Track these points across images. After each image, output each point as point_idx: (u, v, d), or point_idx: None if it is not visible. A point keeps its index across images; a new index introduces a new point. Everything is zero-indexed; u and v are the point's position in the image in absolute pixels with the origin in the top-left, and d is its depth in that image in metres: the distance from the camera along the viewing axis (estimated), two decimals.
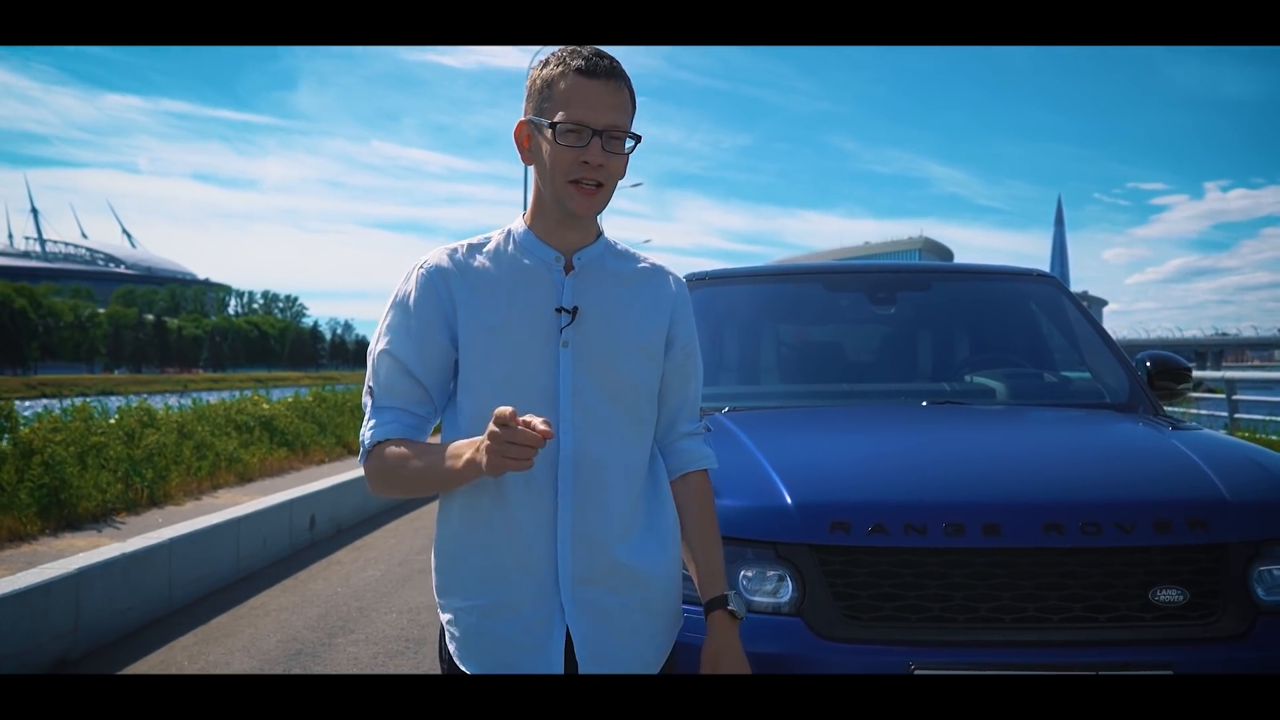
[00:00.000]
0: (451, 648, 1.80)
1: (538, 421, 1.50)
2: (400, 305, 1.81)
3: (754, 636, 2.32)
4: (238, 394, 13.98)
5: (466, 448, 1.63)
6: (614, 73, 1.71)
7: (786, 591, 2.41)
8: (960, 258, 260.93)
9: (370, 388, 1.82)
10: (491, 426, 1.51)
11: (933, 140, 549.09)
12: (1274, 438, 11.07)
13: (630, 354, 1.80)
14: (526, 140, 1.78)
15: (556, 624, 1.72)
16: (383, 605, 5.94)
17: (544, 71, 1.74)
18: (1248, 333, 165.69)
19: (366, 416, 1.82)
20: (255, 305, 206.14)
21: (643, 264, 1.91)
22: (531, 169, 1.81)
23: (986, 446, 3.02)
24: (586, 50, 1.72)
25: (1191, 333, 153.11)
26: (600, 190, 1.73)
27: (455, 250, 1.83)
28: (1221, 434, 3.41)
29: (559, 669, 1.72)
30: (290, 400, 13.95)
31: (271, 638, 5.26)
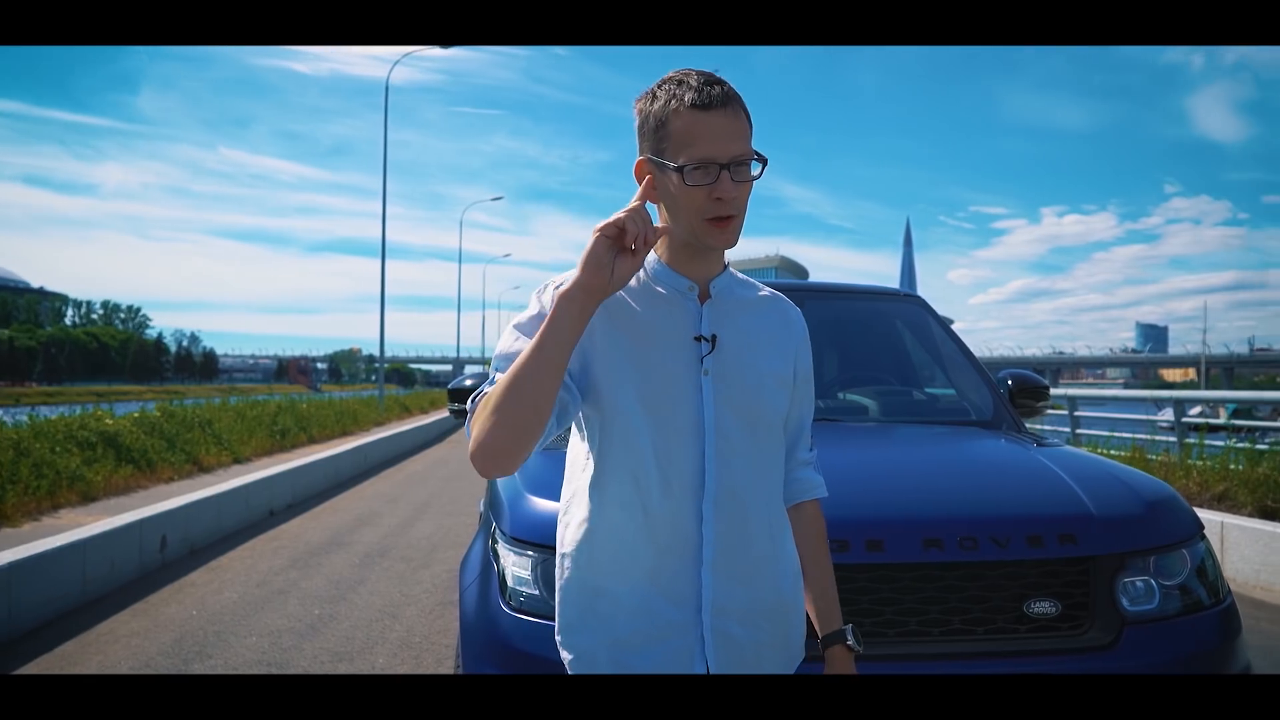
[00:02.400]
0: None
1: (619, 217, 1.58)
2: (537, 321, 1.70)
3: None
4: (78, 409, 13.28)
5: (556, 304, 1.59)
6: (728, 99, 1.66)
7: None
8: (815, 276, 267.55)
9: (496, 367, 1.70)
10: (590, 243, 1.58)
11: (788, 160, 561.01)
12: (1114, 451, 11.64)
13: (766, 382, 1.77)
14: (652, 179, 1.71)
15: (696, 656, 1.69)
16: (241, 629, 5.71)
17: (655, 108, 1.69)
18: (1082, 351, 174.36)
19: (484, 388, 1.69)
20: (94, 316, 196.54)
21: (763, 293, 1.88)
22: (657, 206, 1.75)
23: (866, 464, 3.08)
24: (695, 79, 1.67)
25: (1031, 351, 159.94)
26: (734, 220, 1.68)
27: None
28: (1082, 450, 3.56)
29: None
30: (136, 415, 13.33)
31: (122, 665, 4.99)
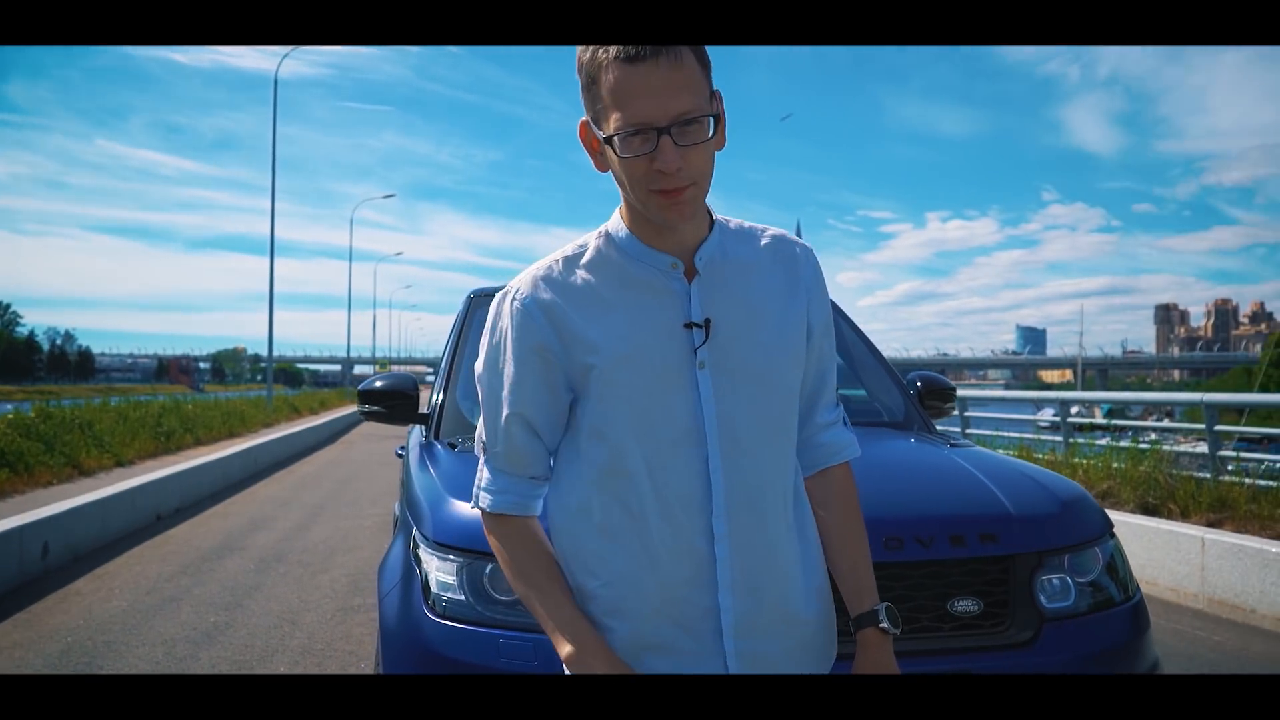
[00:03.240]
0: None
1: None
2: (504, 348, 1.52)
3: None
4: None
5: (569, 638, 1.45)
6: (664, 45, 1.34)
7: None
8: None
9: (483, 441, 1.58)
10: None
11: None
12: (1003, 450, 11.98)
13: (777, 363, 1.51)
14: (595, 144, 1.45)
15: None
16: (132, 638, 5.50)
17: (584, 59, 1.40)
18: (965, 353, 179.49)
19: (480, 466, 1.58)
20: None
21: (764, 240, 1.59)
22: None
23: None
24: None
25: (917, 353, 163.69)
26: (687, 190, 1.39)
27: (550, 270, 1.52)
28: (992, 451, 3.64)
29: None
30: (10, 416, 12.74)
31: None
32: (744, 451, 1.48)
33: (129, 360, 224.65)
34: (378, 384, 3.99)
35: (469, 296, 4.35)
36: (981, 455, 3.20)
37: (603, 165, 1.46)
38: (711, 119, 1.39)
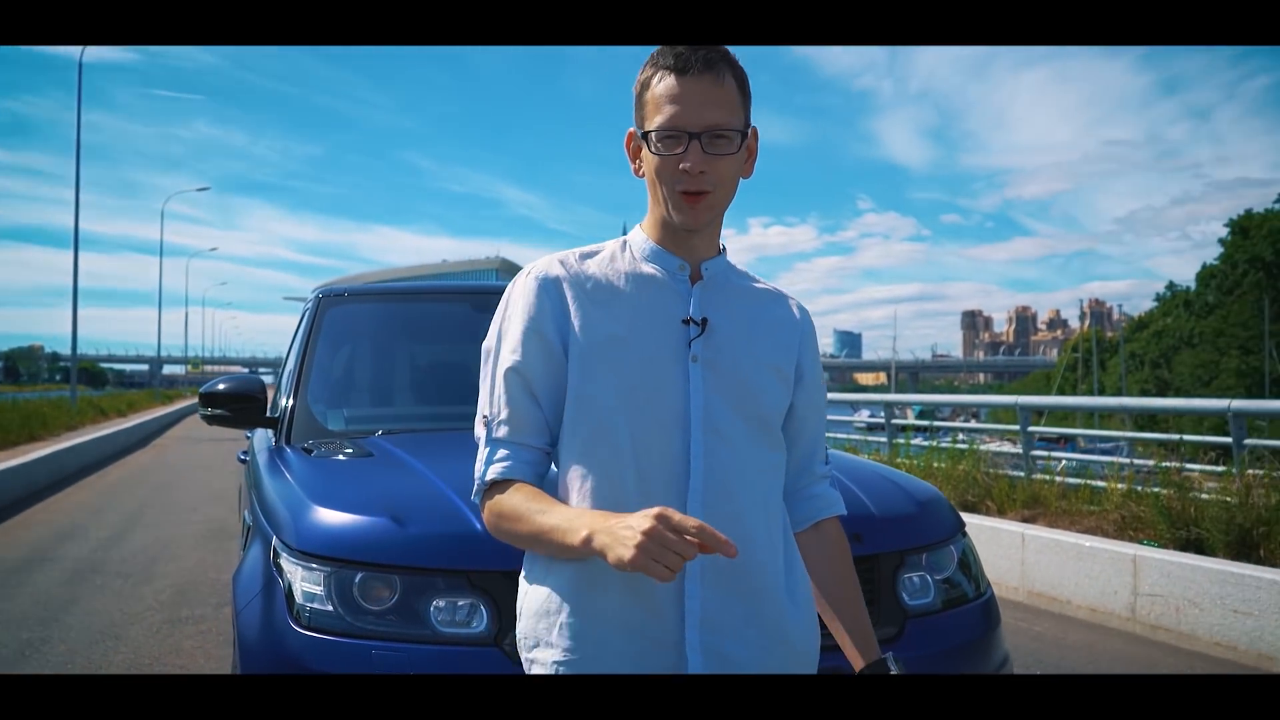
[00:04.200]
0: None
1: (690, 524, 1.31)
2: (515, 319, 1.61)
3: (450, 669, 2.25)
4: None
5: (584, 526, 1.42)
6: (711, 64, 1.52)
7: (481, 621, 2.34)
8: None
9: (485, 416, 1.62)
10: (653, 522, 1.31)
11: (506, 164, 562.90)
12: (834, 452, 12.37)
13: (763, 371, 1.61)
14: (637, 152, 1.61)
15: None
16: None
17: (641, 75, 1.58)
18: None
19: (482, 446, 1.62)
20: None
21: (763, 286, 1.73)
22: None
23: None
24: (684, 46, 1.53)
25: None
26: (706, 196, 1.54)
27: (566, 258, 1.65)
28: (846, 453, 3.75)
29: None
30: None
31: None
32: (725, 443, 1.56)
33: None
34: (221, 386, 3.76)
35: (317, 296, 4.18)
36: (840, 458, 3.30)
37: (639, 171, 1.62)
38: (740, 138, 1.55)
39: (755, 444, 1.60)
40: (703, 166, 1.51)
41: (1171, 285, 69.06)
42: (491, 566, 2.35)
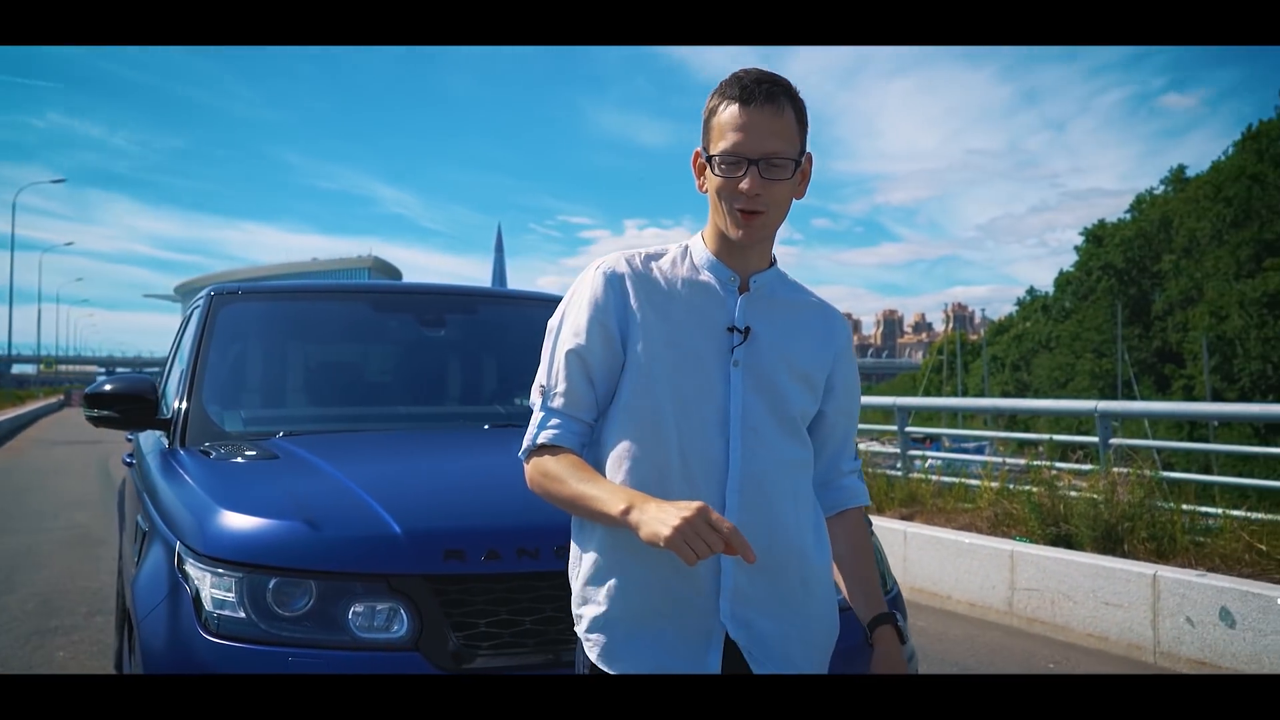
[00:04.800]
0: (593, 655, 1.76)
1: (725, 526, 1.50)
2: (582, 306, 1.79)
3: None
4: None
5: (624, 499, 1.60)
6: (772, 97, 1.69)
7: (402, 625, 2.30)
8: (408, 277, 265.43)
9: (543, 386, 1.81)
10: (695, 513, 1.49)
11: (377, 160, 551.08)
12: None
13: (794, 378, 1.81)
14: (702, 170, 1.77)
15: (714, 641, 1.72)
16: None
17: (710, 101, 1.75)
18: None
19: (536, 410, 1.81)
20: None
21: (812, 299, 1.91)
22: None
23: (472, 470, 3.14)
24: (750, 76, 1.71)
25: None
26: (760, 216, 1.71)
27: (633, 257, 1.83)
28: None
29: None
30: None
31: None
32: (760, 440, 1.76)
33: None
34: (108, 387, 3.57)
35: (210, 295, 4.00)
36: None
37: (703, 186, 1.78)
38: (794, 165, 1.71)
39: (787, 442, 1.80)
40: (759, 189, 1.69)
41: (1031, 290, 72.24)
42: (411, 570, 2.32)
